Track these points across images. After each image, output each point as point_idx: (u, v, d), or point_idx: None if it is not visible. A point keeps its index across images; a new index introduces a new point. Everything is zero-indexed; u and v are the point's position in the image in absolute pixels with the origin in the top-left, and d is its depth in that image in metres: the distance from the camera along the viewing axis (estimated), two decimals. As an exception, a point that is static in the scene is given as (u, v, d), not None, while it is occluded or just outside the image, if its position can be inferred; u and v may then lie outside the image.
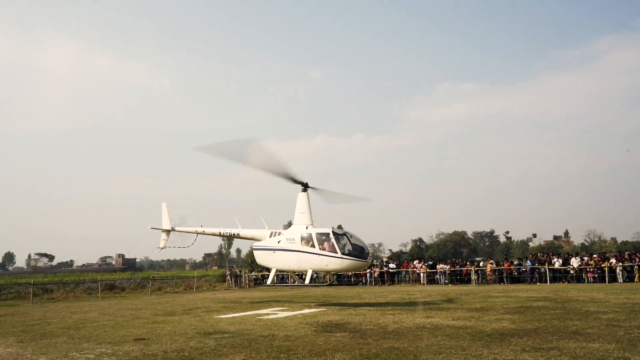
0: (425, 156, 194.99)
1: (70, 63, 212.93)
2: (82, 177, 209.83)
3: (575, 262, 26.80)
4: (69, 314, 18.64)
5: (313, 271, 19.26)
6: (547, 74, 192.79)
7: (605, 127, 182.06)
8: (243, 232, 21.40)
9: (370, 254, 18.51)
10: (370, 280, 33.84)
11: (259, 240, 20.43)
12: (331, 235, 17.99)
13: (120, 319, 16.13)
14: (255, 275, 38.51)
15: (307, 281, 19.63)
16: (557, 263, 27.54)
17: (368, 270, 32.97)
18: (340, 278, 34.01)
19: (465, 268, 31.74)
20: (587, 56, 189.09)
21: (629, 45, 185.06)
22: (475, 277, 30.31)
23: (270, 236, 19.94)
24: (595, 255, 28.90)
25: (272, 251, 19.63)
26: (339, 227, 21.56)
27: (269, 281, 20.99)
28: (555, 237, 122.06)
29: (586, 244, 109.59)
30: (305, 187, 19.31)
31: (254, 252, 21.41)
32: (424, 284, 31.45)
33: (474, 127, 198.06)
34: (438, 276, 31.44)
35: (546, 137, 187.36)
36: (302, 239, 18.56)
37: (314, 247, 18.16)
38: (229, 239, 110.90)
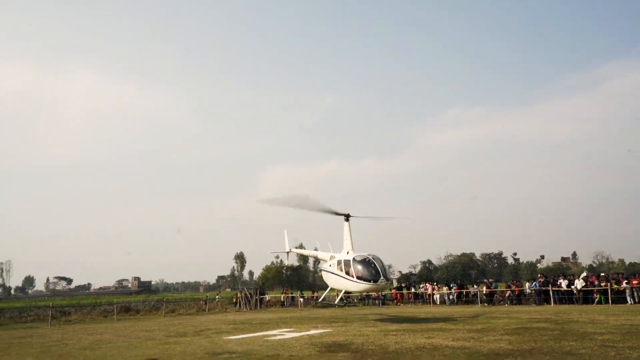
0: (435, 179, 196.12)
1: (91, 92, 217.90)
2: (99, 203, 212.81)
3: (579, 283, 26.86)
4: (86, 335, 19.30)
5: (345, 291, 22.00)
6: (553, 98, 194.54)
7: (611, 149, 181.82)
8: (319, 255, 26.20)
9: (384, 278, 19.44)
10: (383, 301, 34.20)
11: (325, 262, 23.72)
12: (351, 261, 19.95)
13: (134, 340, 16.74)
14: (265, 297, 38.96)
15: (336, 301, 22.72)
16: (564, 284, 27.62)
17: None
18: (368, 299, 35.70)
19: (467, 290, 32.00)
20: (592, 81, 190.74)
21: (633, 70, 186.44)
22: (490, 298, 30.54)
23: (329, 259, 22.93)
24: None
25: (326, 272, 22.98)
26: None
27: (320, 298, 25.14)
28: (563, 259, 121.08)
29: (594, 265, 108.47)
30: (347, 217, 22.02)
31: (322, 272, 24.73)
32: (434, 304, 31.71)
33: (482, 150, 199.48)
34: (437, 296, 31.97)
35: (553, 159, 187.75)
36: (337, 263, 21.20)
37: (342, 270, 20.57)
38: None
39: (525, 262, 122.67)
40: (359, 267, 19.60)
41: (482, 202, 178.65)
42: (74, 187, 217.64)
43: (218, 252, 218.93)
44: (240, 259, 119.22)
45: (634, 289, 25.05)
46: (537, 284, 28.24)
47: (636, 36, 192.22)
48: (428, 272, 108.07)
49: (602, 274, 29.30)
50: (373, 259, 19.71)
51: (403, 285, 39.56)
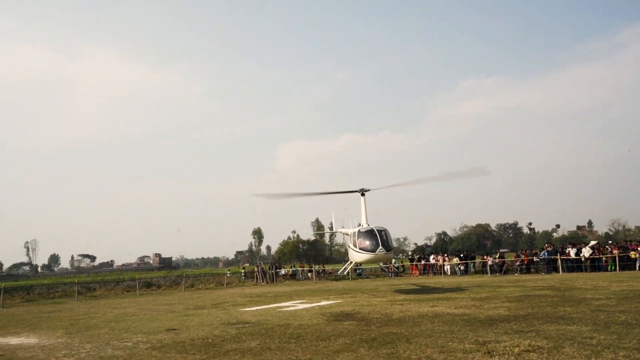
0: (450, 150, 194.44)
1: (106, 72, 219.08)
2: (120, 182, 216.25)
3: (586, 251, 27.28)
4: (110, 309, 20.43)
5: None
6: (570, 65, 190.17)
7: (629, 117, 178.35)
8: (344, 230, 26.88)
9: (383, 248, 19.67)
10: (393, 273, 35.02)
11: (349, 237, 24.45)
12: (356, 233, 20.79)
13: (155, 313, 17.76)
14: (285, 270, 40.08)
15: (343, 271, 25.69)
16: (572, 253, 28.06)
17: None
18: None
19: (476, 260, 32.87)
20: (610, 47, 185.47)
21: None
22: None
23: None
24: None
25: (347, 247, 24.21)
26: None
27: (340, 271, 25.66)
28: (579, 227, 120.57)
29: (610, 233, 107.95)
30: (362, 192, 23.05)
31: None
32: (445, 275, 32.45)
33: (497, 120, 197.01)
34: (447, 267, 32.80)
35: (569, 128, 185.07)
36: (349, 236, 22.55)
37: (351, 243, 21.74)
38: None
39: (540, 231, 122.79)
40: (361, 238, 20.25)
41: (498, 173, 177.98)
42: (95, 166, 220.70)
43: (237, 228, 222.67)
44: (258, 234, 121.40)
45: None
46: (546, 253, 28.73)
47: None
48: (443, 244, 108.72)
49: (610, 242, 29.62)
50: (376, 229, 20.15)
51: (416, 256, 40.25)
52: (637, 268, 25.72)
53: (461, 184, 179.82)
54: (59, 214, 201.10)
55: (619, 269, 25.94)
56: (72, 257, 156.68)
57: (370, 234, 20.11)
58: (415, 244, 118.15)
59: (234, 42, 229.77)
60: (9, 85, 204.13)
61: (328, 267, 43.74)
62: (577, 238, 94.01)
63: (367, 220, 22.31)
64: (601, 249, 28.38)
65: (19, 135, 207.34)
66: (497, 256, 32.45)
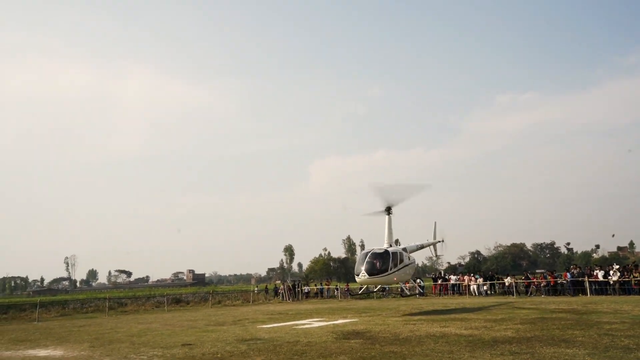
0: (484, 167, 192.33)
1: (146, 90, 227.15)
2: (158, 197, 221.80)
3: (614, 274, 26.63)
4: (136, 324, 21.26)
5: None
6: (609, 80, 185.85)
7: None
8: None
9: (366, 273, 19.83)
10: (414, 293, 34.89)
11: None
12: (359, 255, 21.25)
13: (177, 328, 18.44)
14: (309, 289, 40.41)
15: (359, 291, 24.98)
16: (600, 275, 27.44)
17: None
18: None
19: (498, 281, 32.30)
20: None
21: None
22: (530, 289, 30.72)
23: None
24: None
25: None
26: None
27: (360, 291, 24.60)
28: (620, 248, 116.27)
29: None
30: (388, 211, 22.63)
31: None
32: (473, 295, 32.11)
33: (534, 136, 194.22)
34: (474, 287, 32.42)
35: (608, 144, 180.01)
36: None
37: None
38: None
39: (579, 252, 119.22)
40: (357, 261, 20.95)
41: (535, 191, 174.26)
42: (132, 182, 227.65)
43: (270, 245, 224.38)
44: (289, 251, 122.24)
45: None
46: (571, 275, 28.19)
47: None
48: (476, 263, 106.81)
49: (637, 264, 28.86)
50: (372, 252, 20.28)
51: (435, 276, 40.03)
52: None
53: (496, 201, 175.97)
54: (99, 229, 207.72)
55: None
56: (110, 273, 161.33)
57: (362, 257, 20.58)
58: (449, 262, 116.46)
59: (268, 59, 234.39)
60: (51, 100, 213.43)
61: (352, 286, 43.79)
62: (618, 259, 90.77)
63: (389, 239, 22.36)
64: (632, 271, 27.63)
65: (62, 149, 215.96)
66: (523, 277, 31.96)
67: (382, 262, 20.15)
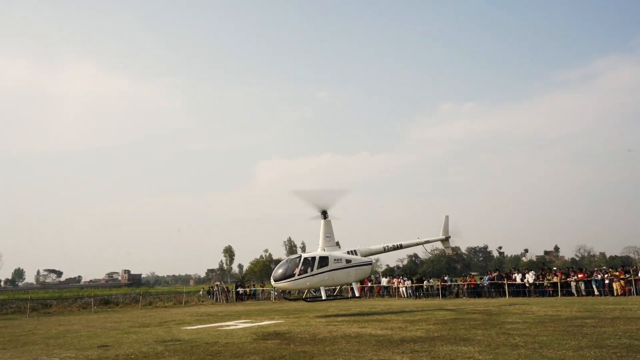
0: (427, 173, 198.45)
1: (85, 85, 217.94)
2: (91, 195, 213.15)
3: (530, 277, 28.49)
4: (57, 326, 20.65)
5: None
6: (546, 93, 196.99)
7: (600, 145, 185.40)
8: None
9: (274, 279, 21.57)
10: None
11: None
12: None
13: (99, 330, 18.11)
14: (243, 290, 40.35)
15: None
16: (518, 278, 29.23)
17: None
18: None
19: (425, 284, 33.87)
20: (585, 76, 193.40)
21: (625, 66, 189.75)
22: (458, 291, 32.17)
23: None
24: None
25: None
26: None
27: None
28: (546, 252, 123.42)
29: (576, 258, 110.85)
30: (324, 214, 22.78)
31: None
32: (401, 297, 33.26)
33: (474, 145, 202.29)
34: (402, 290, 33.54)
35: (544, 154, 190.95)
36: None
37: None
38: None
39: (510, 255, 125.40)
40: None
41: (472, 197, 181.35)
42: (64, 178, 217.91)
43: (209, 246, 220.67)
44: (229, 252, 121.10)
45: (578, 282, 26.69)
46: (488, 278, 29.86)
47: (630, 30, 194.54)
48: (413, 266, 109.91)
49: (554, 268, 30.91)
50: (284, 260, 22.00)
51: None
52: (575, 294, 26.99)
53: (437, 205, 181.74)
54: (25, 226, 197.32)
55: (561, 295, 27.15)
56: (38, 272, 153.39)
57: (280, 263, 22.35)
58: (387, 265, 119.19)
59: (214, 59, 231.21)
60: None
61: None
62: (544, 263, 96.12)
63: (322, 244, 22.69)
64: (546, 274, 29.59)
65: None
66: (445, 279, 33.55)
67: (290, 268, 21.40)
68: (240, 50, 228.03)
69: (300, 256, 21.90)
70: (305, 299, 23.54)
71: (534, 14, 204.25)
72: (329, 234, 22.82)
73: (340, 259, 22.61)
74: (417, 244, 25.86)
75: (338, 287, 26.33)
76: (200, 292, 44.24)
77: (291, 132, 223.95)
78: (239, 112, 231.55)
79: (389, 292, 35.32)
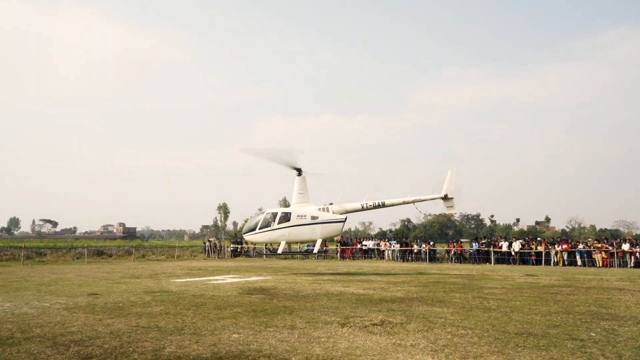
0: (425, 139, 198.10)
1: (84, 33, 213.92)
2: (90, 146, 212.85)
3: (516, 245, 29.10)
4: (50, 274, 21.15)
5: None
6: (551, 62, 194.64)
7: (603, 118, 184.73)
8: None
9: (243, 231, 23.90)
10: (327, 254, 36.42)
11: None
12: None
13: (90, 279, 18.59)
14: (235, 247, 41.04)
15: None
16: (504, 246, 29.86)
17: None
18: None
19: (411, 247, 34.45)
20: (592, 47, 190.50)
21: (634, 38, 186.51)
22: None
23: None
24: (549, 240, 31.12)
25: None
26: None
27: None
28: (538, 222, 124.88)
29: (567, 229, 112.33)
30: (299, 172, 23.02)
31: None
32: (388, 260, 33.97)
33: (476, 111, 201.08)
34: (388, 253, 34.22)
35: (543, 123, 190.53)
36: None
37: None
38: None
39: (502, 224, 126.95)
40: None
41: (470, 164, 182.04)
42: (63, 128, 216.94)
43: (205, 201, 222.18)
44: (224, 209, 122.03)
45: (558, 253, 27.34)
46: (476, 244, 30.49)
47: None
48: (406, 230, 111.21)
49: (539, 238, 31.56)
50: (254, 214, 24.07)
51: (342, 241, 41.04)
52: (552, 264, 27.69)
53: (433, 172, 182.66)
54: (21, 175, 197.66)
55: (544, 264, 27.83)
56: (34, 222, 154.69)
57: (249, 218, 24.32)
58: (380, 228, 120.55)
59: (216, 12, 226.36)
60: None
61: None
62: (535, 232, 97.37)
63: (296, 200, 22.98)
64: (532, 244, 30.22)
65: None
66: (430, 245, 34.26)
67: (254, 223, 22.92)
68: (244, 4, 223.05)
69: (264, 211, 23.09)
70: (261, 254, 24.86)
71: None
72: (301, 191, 22.95)
73: (305, 215, 22.45)
74: (404, 203, 23.04)
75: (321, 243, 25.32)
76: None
77: (291, 91, 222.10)
78: (239, 68, 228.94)
79: (379, 254, 36.03)
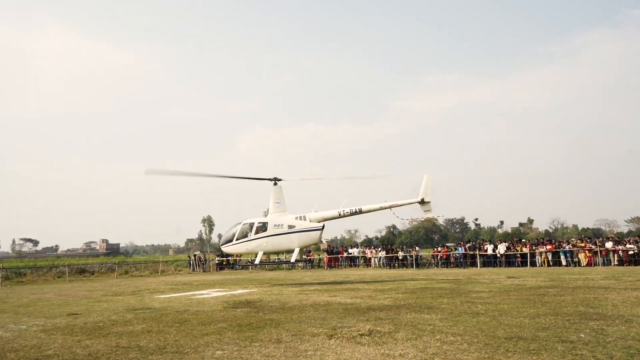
0: (407, 145, 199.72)
1: (65, 49, 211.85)
2: (71, 162, 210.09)
3: (502, 248, 29.21)
4: (29, 294, 20.56)
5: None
6: (529, 66, 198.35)
7: (581, 120, 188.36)
8: None
9: (221, 242, 23.96)
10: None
11: None
12: None
13: (70, 299, 18.09)
14: (220, 260, 40.52)
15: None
16: (489, 249, 29.93)
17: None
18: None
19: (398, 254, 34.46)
20: (569, 50, 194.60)
21: (611, 40, 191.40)
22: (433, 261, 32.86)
23: None
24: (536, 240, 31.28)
25: None
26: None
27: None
28: (521, 224, 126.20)
29: (550, 230, 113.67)
30: (275, 181, 22.82)
31: None
32: (374, 267, 33.83)
33: (457, 117, 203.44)
34: (375, 260, 34.16)
35: (523, 127, 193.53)
36: None
37: None
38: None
39: (486, 227, 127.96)
40: None
41: (453, 168, 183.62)
42: (42, 145, 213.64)
43: (190, 215, 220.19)
44: (208, 222, 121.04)
45: (543, 253, 27.51)
46: (461, 249, 30.52)
47: (614, 5, 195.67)
48: (392, 237, 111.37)
49: (523, 240, 31.75)
50: (232, 226, 23.43)
51: (330, 250, 40.88)
52: (538, 265, 27.85)
53: (413, 177, 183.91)
54: (0, 192, 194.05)
55: (530, 265, 27.94)
56: (14, 241, 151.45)
57: (227, 229, 24.18)
58: (366, 235, 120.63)
59: (197, 25, 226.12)
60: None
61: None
62: (519, 234, 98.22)
63: (272, 209, 22.75)
64: (517, 245, 30.35)
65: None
66: (413, 251, 34.28)
67: (231, 234, 22.90)
68: (224, 16, 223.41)
69: (241, 222, 22.76)
70: (246, 266, 24.97)
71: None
72: (278, 200, 22.83)
73: (282, 225, 22.28)
74: (381, 208, 22.58)
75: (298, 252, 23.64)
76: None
77: (274, 102, 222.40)
78: (221, 80, 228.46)
79: (366, 262, 35.86)
